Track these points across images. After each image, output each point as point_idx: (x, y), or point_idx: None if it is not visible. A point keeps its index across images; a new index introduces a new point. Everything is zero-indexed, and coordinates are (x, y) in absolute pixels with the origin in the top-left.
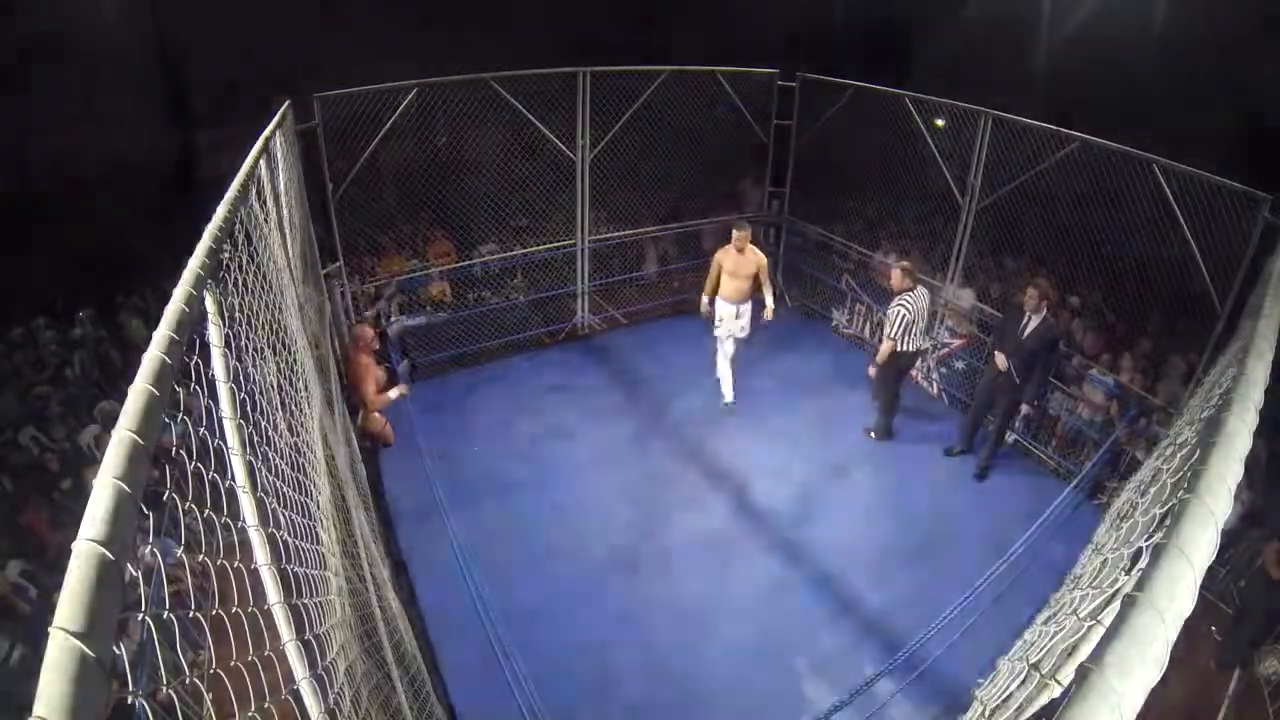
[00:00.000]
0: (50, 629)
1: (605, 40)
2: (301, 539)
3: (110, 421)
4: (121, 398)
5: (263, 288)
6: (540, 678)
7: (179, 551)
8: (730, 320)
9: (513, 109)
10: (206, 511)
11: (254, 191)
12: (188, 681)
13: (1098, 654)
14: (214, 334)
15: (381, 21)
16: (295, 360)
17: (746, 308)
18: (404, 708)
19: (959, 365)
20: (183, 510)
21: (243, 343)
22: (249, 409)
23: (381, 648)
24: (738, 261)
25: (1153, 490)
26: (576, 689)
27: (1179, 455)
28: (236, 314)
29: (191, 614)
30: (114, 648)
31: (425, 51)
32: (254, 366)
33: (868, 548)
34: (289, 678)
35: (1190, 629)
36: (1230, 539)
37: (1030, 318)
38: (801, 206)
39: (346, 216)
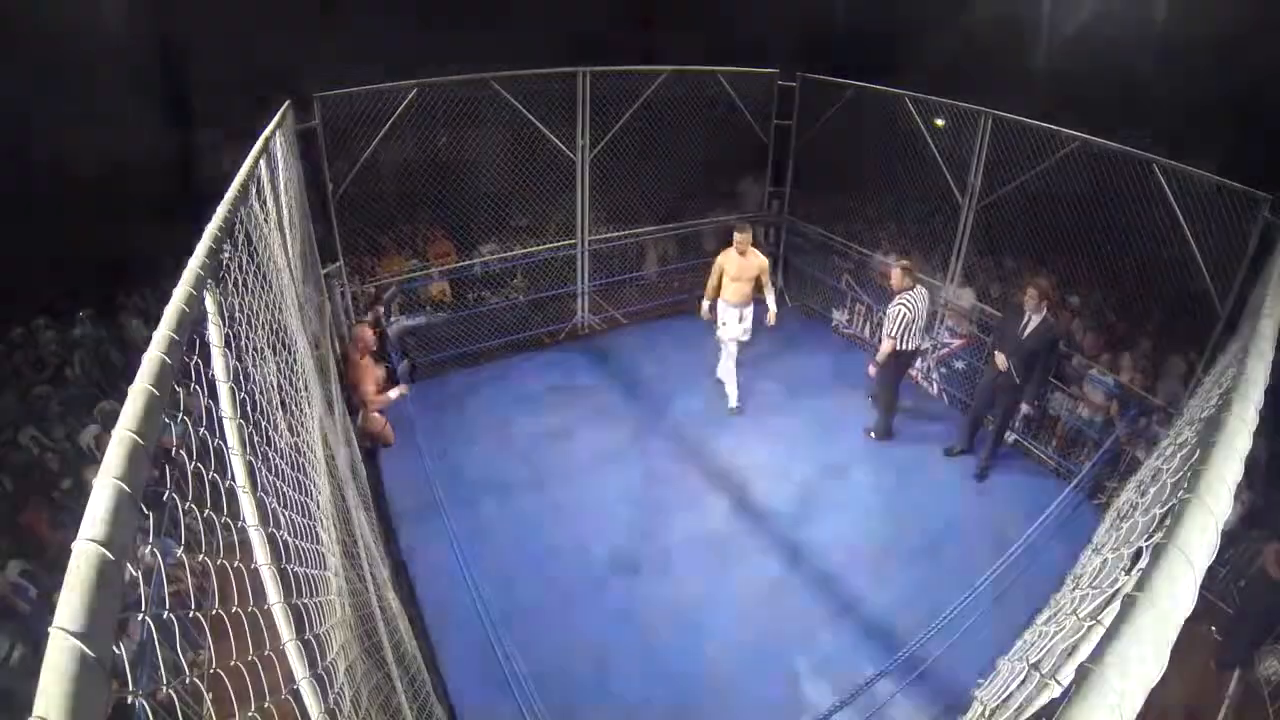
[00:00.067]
0: (50, 629)
1: (605, 40)
2: (301, 539)
3: (110, 421)
4: (121, 398)
5: (263, 288)
6: (540, 677)
7: (179, 551)
8: (734, 324)
9: (513, 109)
10: (206, 511)
11: (254, 191)
12: (188, 681)
13: (1098, 654)
14: (214, 334)
15: (381, 21)
16: (295, 360)
17: (749, 311)
18: (404, 708)
19: (959, 365)
20: (183, 510)
21: (243, 343)
22: (249, 409)
23: (381, 648)
24: (740, 265)
25: (1153, 490)
26: (576, 689)
27: (1179, 455)
28: (236, 314)
29: (191, 614)
30: (114, 648)
31: (425, 51)
32: (254, 366)
33: (868, 548)
34: (289, 678)
35: (1190, 629)
36: (1230, 539)
37: (1030, 317)
38: (801, 206)
39: (346, 216)
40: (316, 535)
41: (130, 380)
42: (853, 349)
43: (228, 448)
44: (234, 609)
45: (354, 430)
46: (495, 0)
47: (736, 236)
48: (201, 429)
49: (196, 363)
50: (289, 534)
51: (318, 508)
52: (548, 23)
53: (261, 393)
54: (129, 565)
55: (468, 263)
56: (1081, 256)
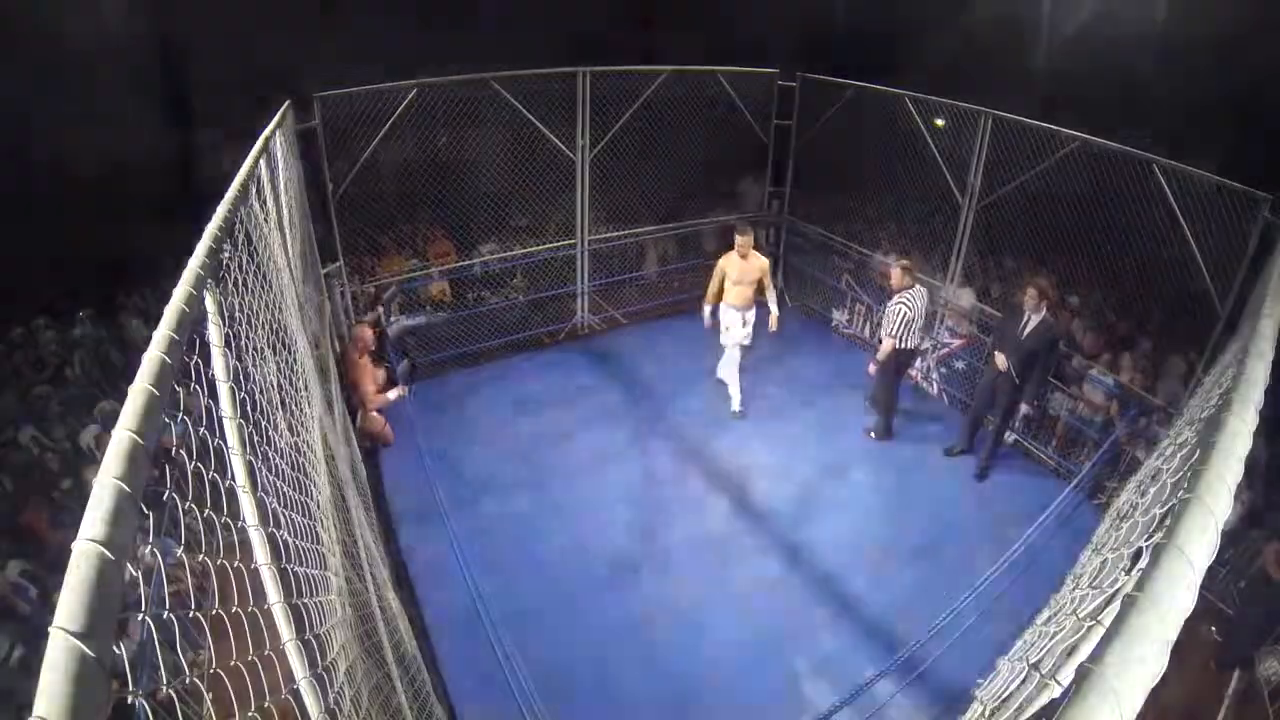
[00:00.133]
0: (50, 629)
1: (605, 40)
2: (301, 539)
3: (110, 421)
4: (121, 398)
5: (263, 288)
6: (540, 677)
7: (179, 551)
8: (737, 328)
9: (513, 109)
10: (206, 511)
11: (254, 191)
12: (188, 681)
13: (1098, 654)
14: (214, 334)
15: (381, 21)
16: (295, 360)
17: (752, 314)
18: (404, 708)
19: (959, 365)
20: (183, 510)
21: (243, 343)
22: (249, 409)
23: (382, 648)
24: (742, 268)
25: (1153, 490)
26: (576, 689)
27: (1179, 455)
28: (236, 314)
29: (191, 614)
30: (114, 648)
31: (425, 51)
32: (254, 366)
33: (868, 548)
34: (289, 678)
35: (1190, 629)
36: (1230, 539)
37: (1030, 317)
38: (801, 206)
39: (346, 216)
40: (316, 535)
41: (130, 380)
42: (853, 349)
43: (228, 448)
44: (234, 609)
45: (354, 430)
46: (495, 0)
47: (738, 239)
48: (201, 429)
49: (196, 363)
50: (289, 534)
51: (318, 508)
52: (548, 23)
53: (261, 393)
54: (129, 565)
55: (468, 263)
56: (1081, 256)
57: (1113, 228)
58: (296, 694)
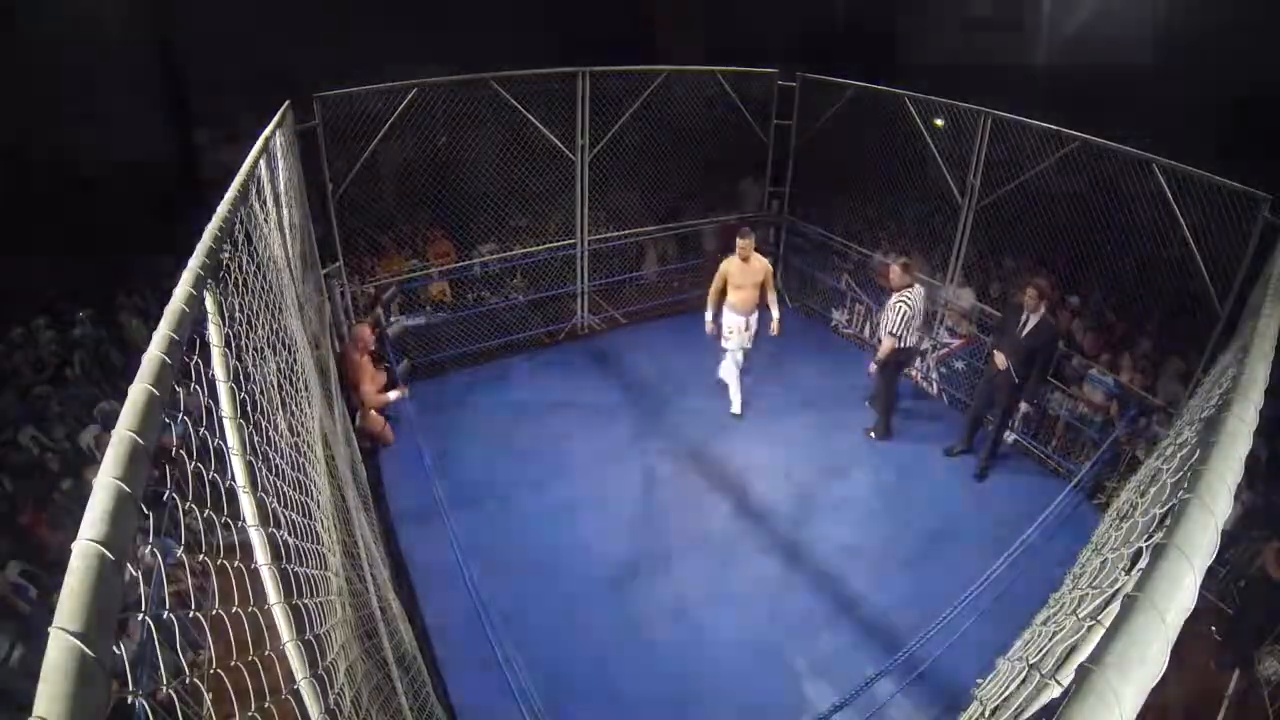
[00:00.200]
0: (50, 629)
1: (605, 40)
2: (301, 539)
3: (110, 421)
4: (121, 398)
5: (263, 288)
6: (540, 677)
7: (179, 551)
8: (740, 333)
9: (512, 109)
10: (206, 511)
11: (254, 191)
12: (188, 681)
13: (1098, 654)
14: (214, 334)
15: (381, 21)
16: (295, 360)
17: (755, 318)
18: (404, 708)
19: (959, 365)
20: (183, 510)
21: (243, 343)
22: (249, 409)
23: (381, 648)
24: (744, 271)
25: (1153, 490)
26: (576, 688)
27: (1179, 455)
28: (236, 314)
29: (191, 614)
30: (114, 648)
31: (425, 51)
32: (254, 366)
33: (868, 548)
34: (289, 678)
35: (1190, 629)
36: (1230, 539)
37: (1029, 317)
38: (801, 206)
39: (346, 216)
40: (316, 535)
41: (130, 380)
42: (852, 349)
43: (228, 448)
44: (234, 609)
45: (353, 430)
46: (495, 0)
47: (739, 243)
48: (201, 429)
49: (196, 363)
50: (289, 534)
51: (318, 507)
52: (548, 23)
53: (261, 393)
54: (129, 565)
55: (467, 263)
56: (1081, 256)
57: (1112, 228)
58: (297, 694)
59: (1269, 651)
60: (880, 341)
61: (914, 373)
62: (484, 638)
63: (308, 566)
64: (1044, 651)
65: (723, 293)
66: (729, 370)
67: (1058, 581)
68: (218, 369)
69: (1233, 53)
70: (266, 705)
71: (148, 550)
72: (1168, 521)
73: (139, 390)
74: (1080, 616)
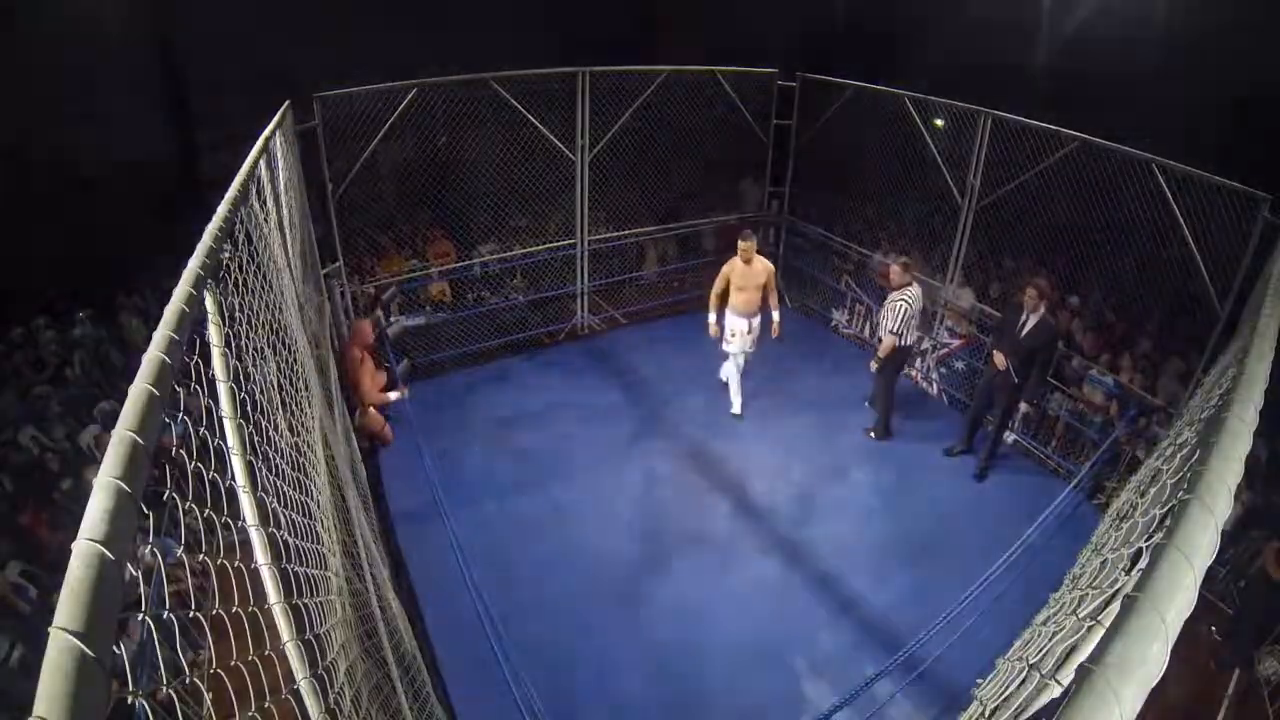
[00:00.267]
0: (50, 629)
1: (605, 40)
2: (301, 539)
3: (110, 421)
4: (121, 398)
5: (263, 288)
6: (540, 678)
7: (179, 551)
8: (743, 335)
9: (512, 109)
10: (206, 511)
11: (254, 191)
12: (188, 681)
13: (1098, 654)
14: (214, 334)
15: (381, 21)
16: (295, 360)
17: (758, 320)
18: (404, 708)
19: (959, 365)
20: (183, 510)
21: (243, 343)
22: (249, 409)
23: (381, 648)
24: (745, 273)
25: (1153, 490)
26: (576, 688)
27: (1179, 455)
28: (236, 314)
29: (191, 614)
30: (114, 648)
31: (425, 51)
32: (254, 366)
33: (868, 548)
34: (289, 678)
35: (1190, 629)
36: (1230, 539)
37: (1029, 317)
38: (801, 207)
39: (346, 216)
40: (316, 535)
41: (130, 380)
42: (852, 349)
43: (228, 448)
44: (234, 609)
45: (353, 429)
46: (495, 0)
47: (741, 245)
48: (201, 429)
49: (196, 363)
50: (289, 534)
51: (318, 507)
52: (548, 23)
53: (261, 393)
54: (129, 565)
55: (467, 263)
56: (1081, 256)
57: (1112, 228)
58: (297, 694)
59: (1269, 651)
60: (881, 341)
61: (914, 373)
62: (483, 637)
63: (308, 566)
64: (1044, 651)
65: (724, 295)
66: (730, 371)
67: (1058, 581)
68: (218, 369)
69: (1233, 53)
70: (266, 705)
71: (148, 550)
72: (1168, 522)
73: (139, 390)
74: (1080, 617)
